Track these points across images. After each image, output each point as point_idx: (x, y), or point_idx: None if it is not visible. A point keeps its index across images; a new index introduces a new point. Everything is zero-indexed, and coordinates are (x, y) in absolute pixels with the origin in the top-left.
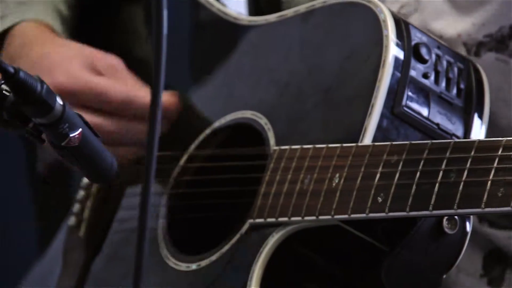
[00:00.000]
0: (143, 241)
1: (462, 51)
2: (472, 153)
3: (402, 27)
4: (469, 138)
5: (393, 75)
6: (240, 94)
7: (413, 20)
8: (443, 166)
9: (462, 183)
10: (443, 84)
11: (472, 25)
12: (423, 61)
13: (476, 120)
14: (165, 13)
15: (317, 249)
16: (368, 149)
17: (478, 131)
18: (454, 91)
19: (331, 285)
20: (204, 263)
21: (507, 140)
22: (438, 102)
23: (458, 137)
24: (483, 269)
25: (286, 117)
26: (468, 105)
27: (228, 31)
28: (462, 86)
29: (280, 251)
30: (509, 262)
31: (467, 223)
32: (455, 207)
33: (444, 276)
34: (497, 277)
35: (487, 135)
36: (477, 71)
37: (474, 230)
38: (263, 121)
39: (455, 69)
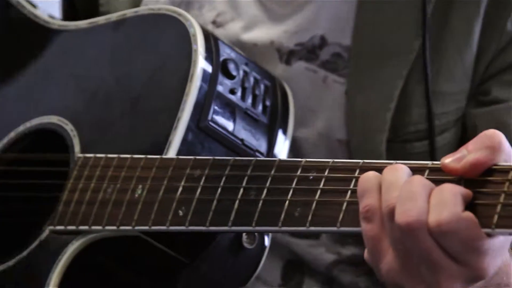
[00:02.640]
0: None
1: (275, 58)
2: (272, 172)
3: (211, 42)
4: (272, 154)
5: (200, 89)
6: (47, 98)
7: (229, 28)
8: (243, 184)
9: (261, 201)
10: (249, 100)
11: (284, 32)
12: (230, 77)
13: (280, 137)
14: None
15: (118, 258)
16: (172, 162)
17: (281, 147)
18: (260, 107)
19: None
20: (1, 268)
21: (306, 160)
22: (244, 118)
23: (261, 153)
24: (281, 279)
25: (92, 124)
26: (272, 122)
27: (38, 34)
28: (268, 103)
29: (80, 259)
30: (307, 270)
31: (266, 238)
32: (253, 224)
33: None
34: (295, 286)
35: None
36: (283, 89)
37: (275, 239)
38: (69, 127)
39: (262, 86)
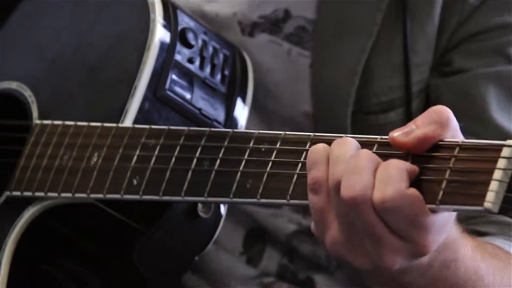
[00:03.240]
0: None
1: (237, 30)
2: (226, 143)
3: (170, 11)
4: (230, 123)
5: (157, 58)
6: (9, 64)
7: None
8: (197, 154)
9: (214, 172)
10: (208, 69)
11: (248, 6)
12: (189, 46)
13: (239, 106)
14: None
15: (74, 225)
16: (127, 131)
17: (240, 116)
18: (218, 77)
19: (86, 261)
20: None
21: (258, 132)
22: (202, 87)
23: (219, 122)
24: (243, 246)
25: (51, 91)
26: (231, 91)
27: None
28: (226, 72)
29: (36, 225)
30: (268, 239)
31: (222, 207)
32: (205, 195)
33: (197, 258)
34: (256, 254)
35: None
36: (242, 58)
37: (237, 208)
38: (27, 93)
39: (221, 56)
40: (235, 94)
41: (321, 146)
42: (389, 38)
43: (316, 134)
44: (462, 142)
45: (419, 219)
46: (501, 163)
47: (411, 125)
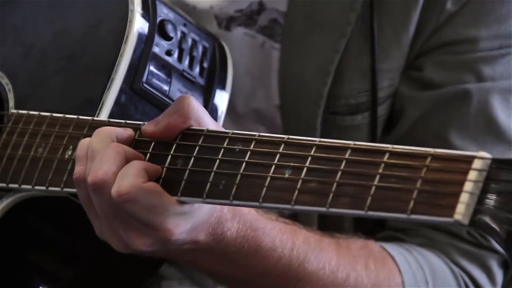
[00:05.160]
0: None
1: (214, 24)
2: (200, 141)
3: (149, 2)
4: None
5: (135, 51)
6: None
7: None
8: (171, 151)
9: (187, 171)
10: (186, 62)
11: (225, 0)
12: (167, 38)
13: (217, 98)
14: None
15: (49, 218)
16: (103, 124)
17: (218, 109)
18: (197, 69)
19: (59, 254)
20: None
21: (233, 132)
22: (180, 80)
23: None
24: None
25: (28, 80)
26: (209, 83)
27: None
28: (205, 65)
29: (10, 217)
30: None
31: None
32: (179, 194)
33: None
34: None
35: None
36: (221, 49)
37: None
38: (4, 81)
39: (200, 48)
40: (214, 86)
41: (85, 141)
42: (360, 40)
43: (290, 137)
44: (434, 152)
45: (158, 209)
46: (472, 175)
47: (159, 117)
